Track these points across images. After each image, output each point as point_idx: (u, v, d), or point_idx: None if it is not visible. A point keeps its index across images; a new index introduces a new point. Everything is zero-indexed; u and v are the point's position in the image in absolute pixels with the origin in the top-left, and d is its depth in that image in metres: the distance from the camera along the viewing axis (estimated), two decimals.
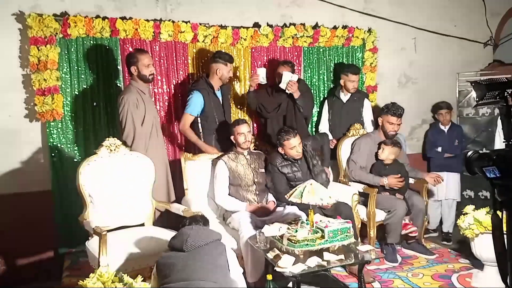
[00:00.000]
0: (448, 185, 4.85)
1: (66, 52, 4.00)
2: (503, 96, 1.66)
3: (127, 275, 2.46)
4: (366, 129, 4.75)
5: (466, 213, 3.57)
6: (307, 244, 2.87)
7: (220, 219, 3.86)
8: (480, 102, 1.72)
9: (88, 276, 2.40)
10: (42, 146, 4.07)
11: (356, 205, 4.05)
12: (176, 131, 4.43)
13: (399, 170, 4.21)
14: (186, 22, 4.35)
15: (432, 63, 5.67)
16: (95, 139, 4.04)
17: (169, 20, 4.30)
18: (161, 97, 4.36)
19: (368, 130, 4.73)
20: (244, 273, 2.85)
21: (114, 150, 3.52)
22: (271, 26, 4.72)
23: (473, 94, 1.75)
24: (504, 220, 1.66)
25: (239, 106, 4.74)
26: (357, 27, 5.04)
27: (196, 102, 4.07)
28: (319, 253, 2.87)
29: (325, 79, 5.06)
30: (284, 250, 2.90)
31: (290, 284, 2.97)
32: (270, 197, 3.87)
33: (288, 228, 3.05)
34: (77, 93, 4.08)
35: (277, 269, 2.74)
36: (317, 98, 5.04)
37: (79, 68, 4.07)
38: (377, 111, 4.66)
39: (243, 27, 4.61)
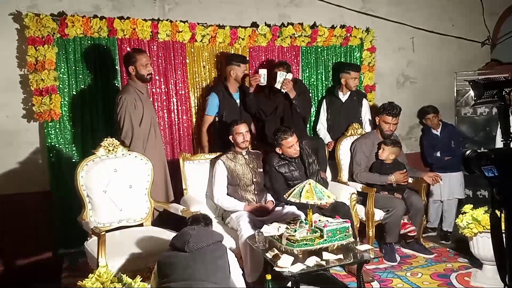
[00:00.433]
0: (451, 185, 4.85)
1: (63, 52, 3.99)
2: (501, 95, 1.66)
3: (126, 276, 2.46)
4: (364, 129, 4.76)
5: (465, 212, 3.57)
6: (306, 244, 2.87)
7: (219, 219, 3.85)
8: (478, 101, 1.72)
9: (87, 276, 2.39)
10: (40, 146, 4.06)
11: (354, 205, 4.05)
12: (175, 131, 4.42)
13: (399, 169, 4.21)
14: (184, 22, 4.34)
15: (430, 63, 5.68)
16: (93, 139, 4.02)
17: (167, 20, 4.30)
18: (159, 97, 4.35)
19: (367, 130, 4.74)
20: (243, 273, 2.85)
21: (112, 150, 3.51)
22: (269, 25, 4.71)
23: (471, 93, 1.75)
24: (503, 219, 1.66)
25: None
26: (355, 27, 5.04)
27: (212, 103, 4.28)
28: (318, 252, 2.88)
29: (323, 79, 5.06)
30: (283, 249, 2.90)
31: (289, 284, 2.97)
32: (269, 197, 3.86)
33: (287, 228, 3.05)
34: (75, 93, 4.07)
35: (276, 268, 2.74)
36: (315, 98, 5.04)
37: (77, 68, 4.06)
38: (375, 111, 4.66)
39: (241, 27, 4.60)
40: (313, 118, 5.03)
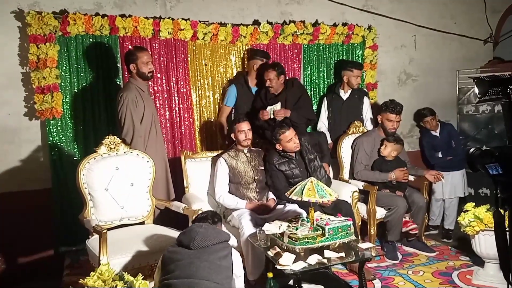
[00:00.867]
0: (453, 184, 4.84)
1: (65, 50, 3.98)
2: (506, 93, 1.65)
3: (128, 274, 2.46)
4: (366, 127, 4.75)
5: (467, 210, 3.57)
6: (308, 242, 2.87)
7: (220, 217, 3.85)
8: (482, 98, 1.71)
9: (88, 274, 2.39)
10: (42, 144, 4.05)
11: (356, 203, 4.05)
12: (176, 129, 4.42)
13: (400, 166, 4.21)
14: (185, 20, 4.33)
15: (432, 60, 5.66)
16: (95, 137, 4.03)
17: (168, 18, 4.29)
18: (161, 95, 4.35)
19: (368, 128, 4.73)
20: (244, 271, 2.85)
21: (114, 148, 3.51)
22: (271, 23, 4.70)
23: (475, 90, 1.73)
24: (507, 217, 1.66)
25: None
26: (357, 25, 5.03)
27: (230, 94, 4.45)
28: (319, 250, 2.87)
29: (325, 77, 5.05)
30: (285, 247, 2.90)
31: (291, 282, 2.97)
32: (270, 195, 3.86)
33: (289, 226, 3.05)
34: (76, 91, 4.07)
35: (278, 267, 2.74)
36: (317, 96, 5.04)
37: (79, 66, 4.06)
38: (377, 109, 4.65)
39: (243, 25, 4.59)
40: None
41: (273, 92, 4.34)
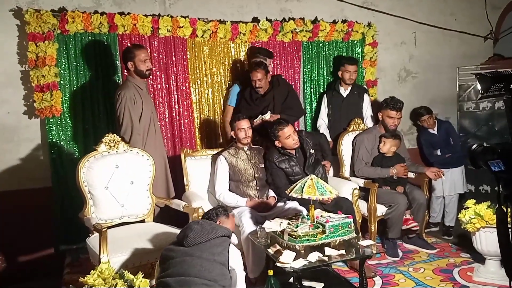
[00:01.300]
0: (453, 181, 4.83)
1: (64, 48, 3.97)
2: (509, 89, 1.64)
3: (128, 272, 2.46)
4: (366, 124, 4.74)
5: (468, 207, 3.56)
6: (308, 239, 2.86)
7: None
8: (485, 94, 1.70)
9: (89, 273, 2.39)
10: (42, 142, 4.05)
11: (356, 200, 4.05)
12: (176, 126, 4.41)
13: (399, 162, 4.21)
14: (184, 17, 4.32)
15: (432, 57, 5.66)
16: (94, 135, 4.02)
17: (167, 15, 4.28)
18: (160, 92, 4.33)
19: (368, 125, 4.72)
20: (245, 269, 2.84)
21: (114, 146, 3.50)
22: (270, 20, 4.69)
23: (478, 86, 1.72)
24: (509, 214, 1.65)
25: None
26: (356, 21, 5.02)
27: (233, 93, 4.44)
28: (320, 248, 2.87)
29: (325, 74, 5.04)
30: (285, 245, 2.90)
31: (292, 280, 2.96)
32: (271, 193, 3.86)
33: (289, 223, 3.05)
34: (76, 89, 4.06)
35: (278, 264, 2.74)
36: (316, 93, 5.03)
37: (78, 64, 4.05)
38: (378, 106, 4.64)
39: (242, 22, 4.58)
40: (313, 114, 5.02)
41: (261, 92, 4.28)
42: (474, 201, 3.60)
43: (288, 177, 3.83)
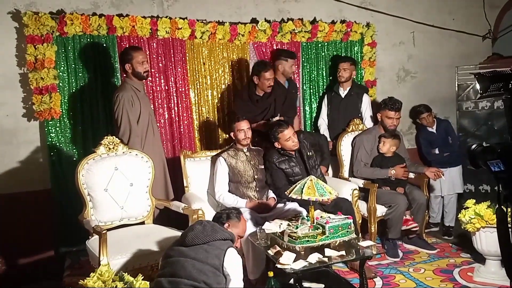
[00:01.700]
0: (451, 180, 4.83)
1: (63, 50, 3.97)
2: (508, 88, 1.63)
3: (128, 274, 2.45)
4: (365, 124, 4.73)
5: (467, 207, 3.56)
6: (308, 241, 2.86)
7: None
8: (484, 94, 1.70)
9: (89, 275, 2.38)
10: (41, 145, 4.04)
11: (356, 201, 4.04)
12: (175, 128, 4.40)
13: (399, 162, 4.20)
14: (183, 19, 4.32)
15: (431, 57, 5.66)
16: (93, 137, 4.01)
17: (166, 17, 4.28)
18: (159, 94, 4.33)
19: (368, 126, 4.71)
20: (245, 271, 2.83)
21: (113, 148, 3.50)
22: (269, 21, 4.69)
23: (477, 86, 1.72)
24: (509, 214, 1.65)
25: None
26: (355, 22, 5.03)
27: None
28: (320, 249, 2.86)
29: (324, 74, 5.04)
30: (285, 246, 2.89)
31: (292, 281, 2.96)
32: (270, 194, 3.85)
33: (289, 225, 3.04)
34: (74, 92, 4.06)
35: (278, 265, 2.73)
36: (316, 94, 5.03)
37: (76, 66, 4.05)
38: (377, 106, 4.64)
39: (241, 23, 4.58)
40: (314, 114, 5.02)
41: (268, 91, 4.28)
42: (474, 201, 3.59)
43: (288, 178, 3.83)
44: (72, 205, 3.77)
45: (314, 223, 2.99)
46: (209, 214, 3.34)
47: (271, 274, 2.76)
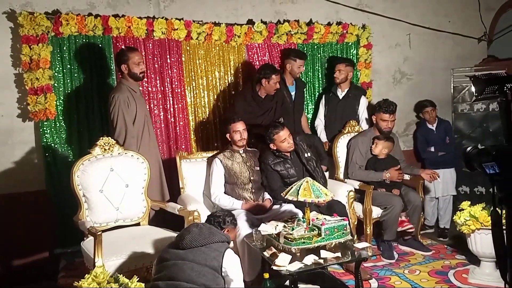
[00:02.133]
0: (445, 182, 4.85)
1: (58, 50, 3.95)
2: (503, 91, 1.64)
3: (123, 275, 2.44)
4: (361, 126, 4.74)
5: (462, 209, 3.57)
6: (304, 242, 2.86)
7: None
8: (479, 97, 1.71)
9: (83, 276, 2.37)
10: (36, 146, 4.02)
11: (352, 202, 4.04)
12: (171, 129, 4.39)
13: (393, 165, 4.21)
14: (179, 20, 4.31)
15: (426, 59, 5.67)
16: (89, 138, 4.00)
17: (162, 18, 4.27)
18: (155, 95, 4.32)
19: (364, 128, 4.72)
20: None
21: (108, 149, 3.49)
22: (265, 23, 4.69)
23: (472, 89, 1.73)
24: (504, 216, 1.65)
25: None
26: (351, 24, 5.04)
27: None
28: (315, 251, 2.87)
29: (320, 76, 5.05)
30: (281, 248, 2.89)
31: (287, 282, 2.96)
32: (266, 195, 3.85)
33: (285, 226, 3.04)
34: (70, 92, 4.04)
35: (274, 267, 2.73)
36: (312, 95, 5.03)
37: (72, 67, 4.03)
38: (372, 108, 4.65)
39: (237, 24, 4.58)
40: (310, 115, 5.03)
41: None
42: (469, 202, 3.61)
43: (283, 180, 3.83)
44: (67, 206, 3.75)
45: (310, 224, 2.99)
46: (205, 215, 3.31)
47: (266, 275, 2.77)
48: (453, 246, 4.32)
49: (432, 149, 4.98)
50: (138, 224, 3.58)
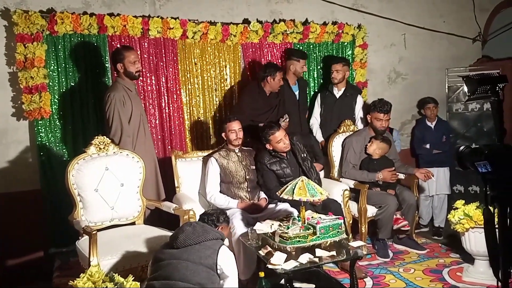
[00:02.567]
0: (439, 180, 4.88)
1: (53, 49, 3.93)
2: (495, 91, 1.66)
3: (118, 275, 2.44)
4: (357, 126, 4.75)
5: (457, 208, 3.59)
6: (299, 241, 2.87)
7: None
8: (471, 97, 1.72)
9: (78, 276, 2.37)
10: (30, 145, 4.01)
11: (347, 201, 4.06)
12: (166, 128, 4.39)
13: (387, 166, 4.22)
14: (175, 19, 4.31)
15: (421, 59, 5.70)
16: (84, 137, 3.99)
17: (157, 17, 4.27)
18: (150, 94, 4.32)
19: (359, 127, 4.73)
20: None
21: (104, 148, 3.48)
22: (261, 22, 4.69)
23: (465, 89, 1.75)
24: (496, 215, 1.67)
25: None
26: (347, 23, 5.05)
27: None
28: (311, 249, 2.88)
29: (315, 75, 5.06)
30: (276, 247, 2.90)
31: (283, 281, 2.96)
32: (262, 194, 3.85)
33: (280, 225, 3.05)
34: (65, 91, 4.02)
35: (269, 266, 2.74)
36: (308, 95, 5.04)
37: (67, 66, 4.01)
38: (367, 108, 4.66)
39: (233, 24, 4.58)
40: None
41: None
42: (464, 201, 3.63)
43: (279, 179, 3.83)
44: (62, 205, 3.74)
45: (305, 223, 3.00)
46: None
47: (262, 274, 2.77)
48: (447, 244, 4.35)
49: (428, 146, 5.01)
50: (133, 223, 3.57)
